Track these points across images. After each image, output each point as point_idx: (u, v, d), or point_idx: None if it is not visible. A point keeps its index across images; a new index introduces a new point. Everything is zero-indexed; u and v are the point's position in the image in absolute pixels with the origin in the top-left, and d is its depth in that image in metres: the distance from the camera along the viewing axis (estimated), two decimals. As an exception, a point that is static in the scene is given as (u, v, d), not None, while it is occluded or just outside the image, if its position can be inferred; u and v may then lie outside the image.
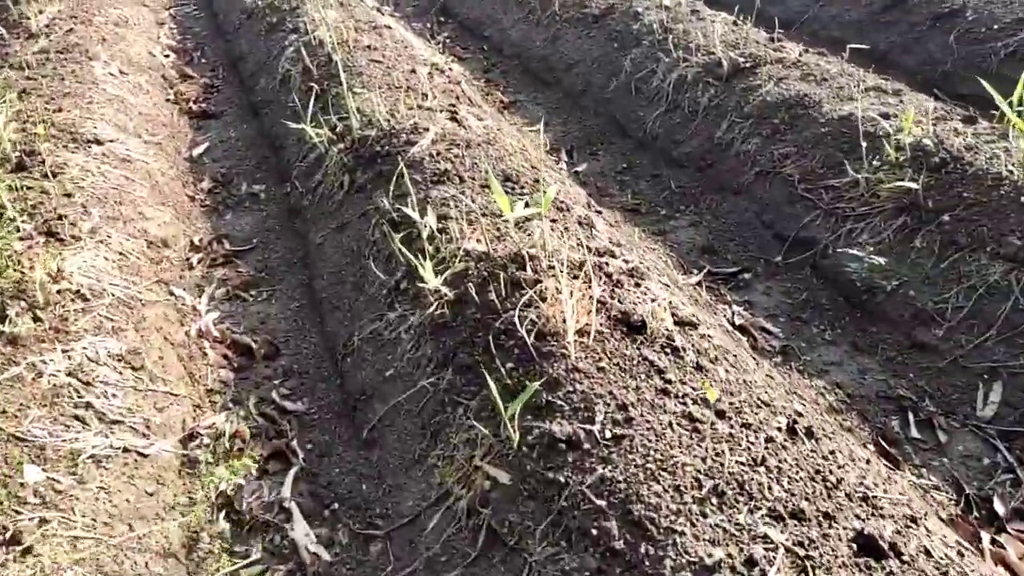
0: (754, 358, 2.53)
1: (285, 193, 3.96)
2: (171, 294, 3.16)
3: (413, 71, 4.31)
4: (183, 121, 4.99)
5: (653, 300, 2.38)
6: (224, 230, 3.75)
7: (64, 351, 2.48)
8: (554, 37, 5.32)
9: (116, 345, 2.61)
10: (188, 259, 3.46)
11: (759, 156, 3.50)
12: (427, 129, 3.40)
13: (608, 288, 2.36)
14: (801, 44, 4.34)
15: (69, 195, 3.35)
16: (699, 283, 3.11)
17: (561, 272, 2.25)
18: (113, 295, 2.85)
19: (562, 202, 2.97)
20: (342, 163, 3.49)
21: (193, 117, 5.05)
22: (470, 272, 2.44)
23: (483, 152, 3.25)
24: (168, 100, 5.22)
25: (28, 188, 3.30)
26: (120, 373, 2.53)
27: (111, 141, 3.98)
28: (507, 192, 2.96)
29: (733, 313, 2.88)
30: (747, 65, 3.94)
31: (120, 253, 3.17)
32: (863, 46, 5.00)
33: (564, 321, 2.09)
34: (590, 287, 2.32)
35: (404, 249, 2.67)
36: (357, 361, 2.65)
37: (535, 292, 2.24)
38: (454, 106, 3.81)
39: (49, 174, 3.42)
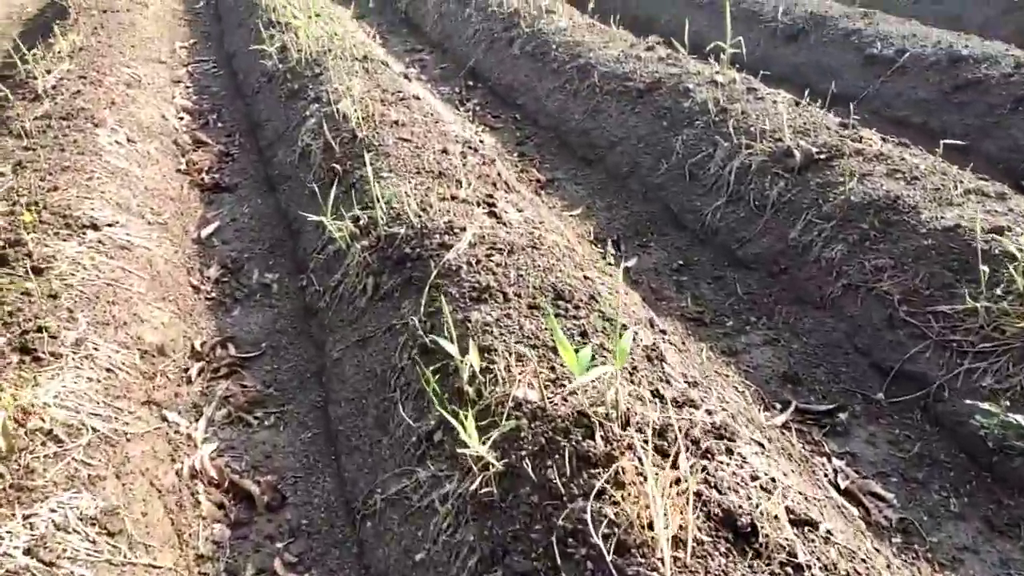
0: (876, 548, 2.03)
1: (300, 287, 3.53)
2: (163, 419, 2.71)
3: (445, 151, 3.91)
4: (193, 195, 4.61)
5: (755, 481, 1.89)
6: (230, 330, 3.32)
7: (26, 517, 2.02)
8: (594, 110, 4.93)
9: (90, 503, 2.14)
10: (187, 370, 3.01)
11: (846, 266, 3.05)
12: (463, 229, 2.98)
13: (697, 462, 1.89)
14: (864, 126, 3.92)
15: (55, 296, 2.93)
16: (786, 424, 2.63)
17: (644, 448, 1.78)
18: (93, 430, 2.40)
19: (623, 325, 2.52)
20: (366, 263, 3.06)
21: (205, 190, 4.67)
22: (523, 435, 1.97)
23: (528, 259, 2.81)
24: (179, 170, 4.86)
25: (8, 288, 2.89)
26: (93, 542, 2.06)
27: (109, 225, 3.58)
28: (560, 314, 2.51)
29: (836, 472, 2.39)
30: (822, 156, 3.51)
31: (108, 369, 2.73)
32: (933, 128, 4.58)
33: (653, 526, 1.61)
34: (676, 464, 1.84)
35: (438, 389, 2.21)
36: (379, 529, 2.17)
37: (609, 475, 1.77)
38: (491, 197, 3.40)
39: (33, 270, 3.01)
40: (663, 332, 2.82)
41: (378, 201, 3.16)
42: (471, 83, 6.53)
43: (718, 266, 3.57)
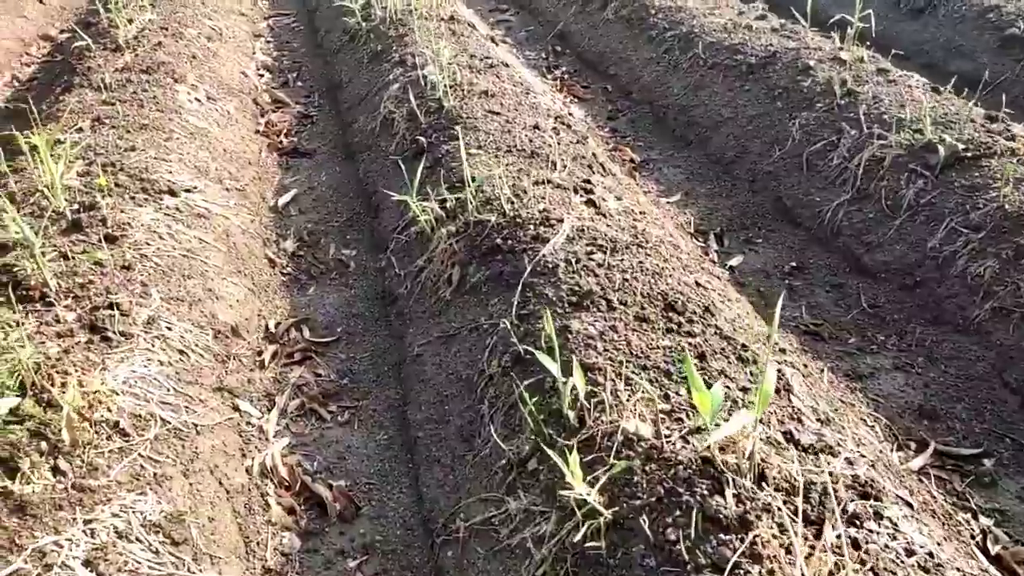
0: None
1: (379, 268, 3.32)
2: (235, 408, 2.55)
3: (536, 126, 3.61)
4: (271, 159, 4.44)
5: (911, 556, 1.59)
6: (305, 311, 3.14)
7: (86, 523, 1.87)
8: (696, 86, 4.53)
9: (155, 507, 1.99)
10: (260, 353, 2.85)
11: (997, 286, 2.65)
12: (560, 220, 2.69)
13: (845, 531, 1.59)
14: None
15: (128, 267, 2.78)
16: (924, 468, 2.29)
17: (790, 517, 1.50)
18: (162, 421, 2.25)
19: (744, 347, 2.21)
20: (452, 251, 2.82)
21: (283, 154, 4.50)
22: (636, 479, 1.71)
23: (633, 260, 2.52)
24: (258, 131, 4.69)
25: (81, 257, 2.76)
26: (156, 552, 1.91)
27: (187, 191, 3.42)
28: (672, 329, 2.22)
29: (984, 533, 2.06)
30: (968, 154, 3.08)
31: (180, 351, 2.58)
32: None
33: (803, 621, 1.34)
34: (821, 533, 1.56)
35: (535, 411, 1.96)
36: (461, 561, 1.96)
37: (745, 547, 1.50)
38: (589, 183, 3.09)
39: (107, 238, 2.87)
40: (782, 351, 2.50)
41: (468, 183, 2.89)
42: (559, 48, 6.16)
43: (838, 272, 3.20)
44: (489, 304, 2.55)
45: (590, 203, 2.91)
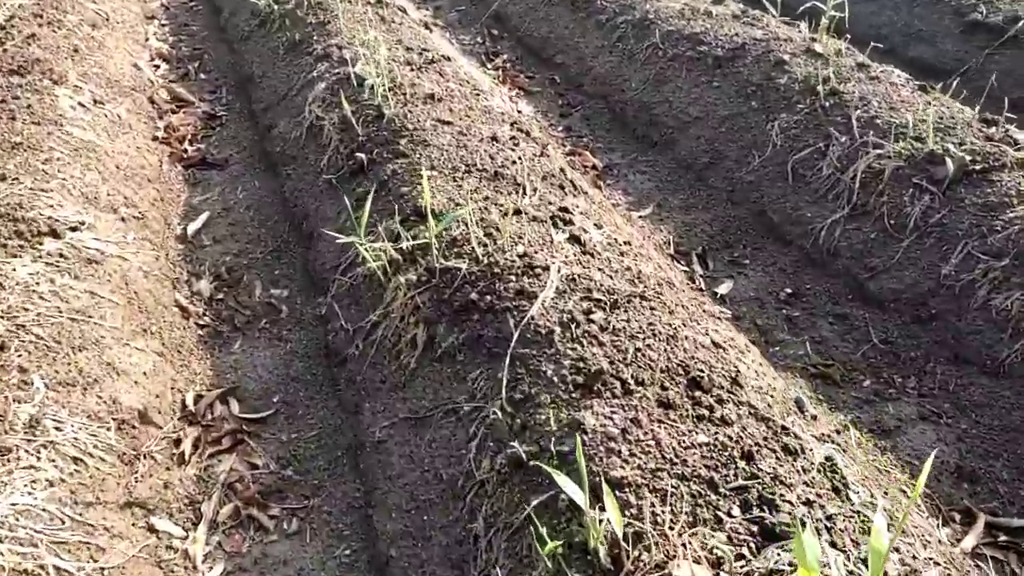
0: None
1: (319, 316, 2.79)
2: (151, 529, 2.01)
3: (494, 137, 3.13)
4: (175, 172, 3.79)
5: None
6: (231, 375, 2.59)
7: None
8: (657, 79, 4.14)
9: None
10: (178, 442, 2.30)
11: (1029, 323, 2.39)
12: (546, 268, 2.25)
13: None
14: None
15: (1, 348, 2.18)
16: (977, 549, 2.01)
17: None
18: (57, 571, 1.70)
19: (785, 430, 1.85)
20: (414, 306, 2.33)
21: (189, 166, 3.85)
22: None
23: (639, 317, 2.11)
24: (156, 138, 4.01)
25: (-68, 338, 2.13)
26: None
27: (73, 229, 2.79)
28: (702, 415, 1.83)
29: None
30: (976, 167, 2.80)
31: (75, 459, 2.02)
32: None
33: None
34: None
35: (557, 551, 1.54)
36: None
37: None
38: (567, 211, 2.65)
39: (-31, 308, 2.25)
40: (799, 405, 2.15)
41: (430, 222, 2.40)
42: (496, 32, 5.64)
43: (840, 300, 2.89)
44: (468, 378, 2.09)
45: (573, 239, 2.47)
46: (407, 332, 2.32)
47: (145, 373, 2.43)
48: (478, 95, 3.58)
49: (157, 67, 4.92)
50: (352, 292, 2.67)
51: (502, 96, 4.29)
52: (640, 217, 3.46)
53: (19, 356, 2.18)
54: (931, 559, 1.73)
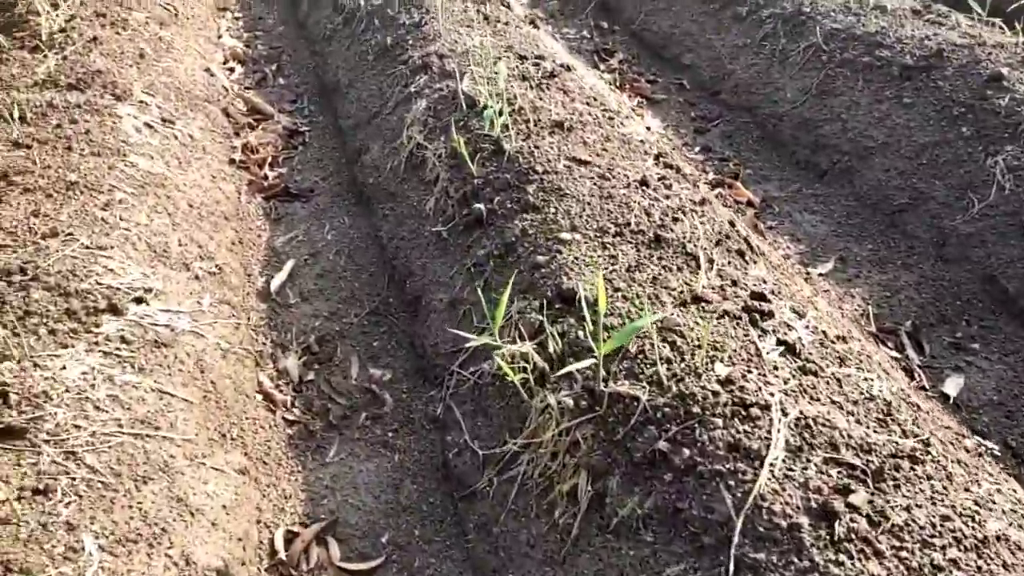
0: None
1: (433, 417, 2.22)
2: None
3: (643, 182, 2.49)
4: (254, 205, 3.27)
5: None
6: (328, 498, 2.05)
7: None
8: (822, 90, 3.40)
9: None
10: (265, 606, 1.78)
11: None
12: (766, 407, 1.62)
13: None
14: None
15: (43, 492, 1.69)
16: None
17: None
18: None
19: None
20: (573, 443, 1.73)
21: (270, 197, 3.32)
22: None
23: (918, 495, 1.47)
24: (232, 161, 3.50)
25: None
26: None
27: (139, 300, 2.28)
28: None
29: None
30: None
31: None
32: None
33: None
34: None
35: None
36: None
37: None
38: (763, 299, 2.00)
39: (7, 433, 1.75)
40: None
41: (595, 330, 1.78)
42: (605, 25, 4.93)
43: (1122, 412, 2.16)
44: (665, 572, 1.49)
45: (784, 346, 1.83)
46: (563, 479, 1.73)
47: (225, 506, 1.90)
48: (612, 119, 2.93)
49: (231, 70, 4.42)
50: (477, 396, 2.09)
51: (620, 104, 3.61)
52: (820, 276, 2.77)
53: (67, 504, 1.68)
54: None
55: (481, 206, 2.48)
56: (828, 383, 1.74)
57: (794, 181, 3.28)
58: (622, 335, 1.64)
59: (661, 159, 2.77)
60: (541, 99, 2.92)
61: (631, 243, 2.20)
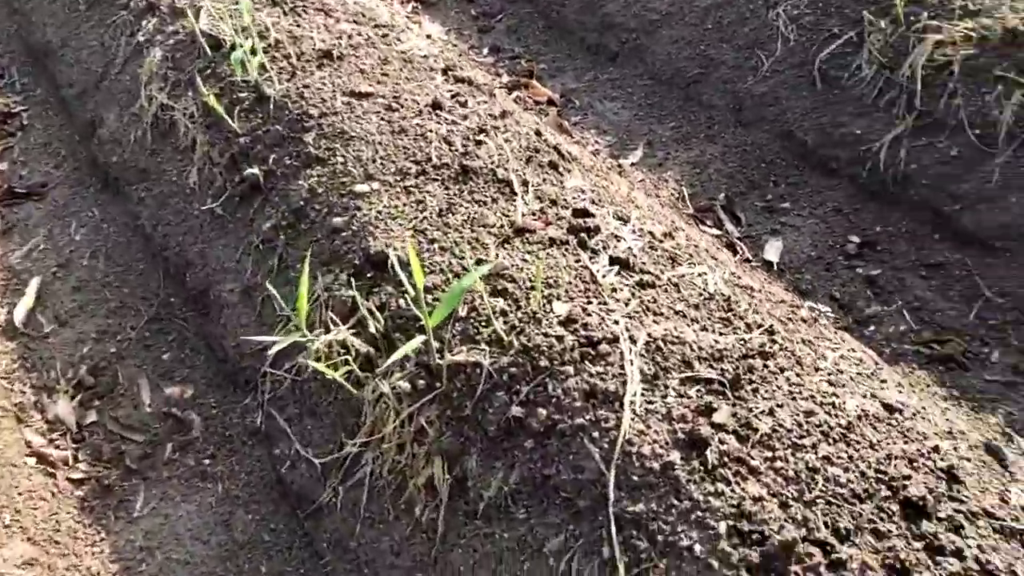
0: None
1: (252, 428, 1.90)
2: None
3: (437, 106, 2.19)
4: (-30, 217, 2.63)
5: None
6: (146, 560, 1.70)
7: None
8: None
9: None
10: None
11: None
12: (613, 340, 1.46)
13: None
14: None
15: None
16: None
17: None
18: None
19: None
20: (419, 430, 1.50)
21: (-11, 202, 2.69)
22: None
23: (779, 394, 1.39)
24: (-73, 168, 2.78)
25: None
26: None
27: None
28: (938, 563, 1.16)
29: None
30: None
31: None
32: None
33: None
34: None
35: None
36: None
37: None
38: (587, 215, 1.83)
39: None
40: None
41: (416, 297, 1.52)
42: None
43: (926, 243, 2.26)
44: (546, 550, 1.33)
45: (618, 264, 1.67)
46: (416, 471, 1.51)
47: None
48: (386, 36, 2.57)
49: (-99, 50, 3.50)
50: (300, 395, 1.79)
51: (404, 20, 3.23)
52: (633, 166, 2.66)
53: None
54: None
55: (254, 169, 2.09)
56: (667, 291, 1.62)
57: (588, 69, 3.12)
58: (449, 299, 1.40)
59: (451, 73, 2.47)
60: (299, 26, 2.50)
61: (436, 180, 1.93)
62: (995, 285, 2.11)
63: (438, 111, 2.17)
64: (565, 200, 1.89)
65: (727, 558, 1.17)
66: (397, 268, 1.59)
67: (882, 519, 1.21)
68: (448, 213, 1.81)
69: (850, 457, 1.29)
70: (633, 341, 1.46)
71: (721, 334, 1.52)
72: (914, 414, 1.45)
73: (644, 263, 1.71)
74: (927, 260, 2.21)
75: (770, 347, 1.49)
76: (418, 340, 1.47)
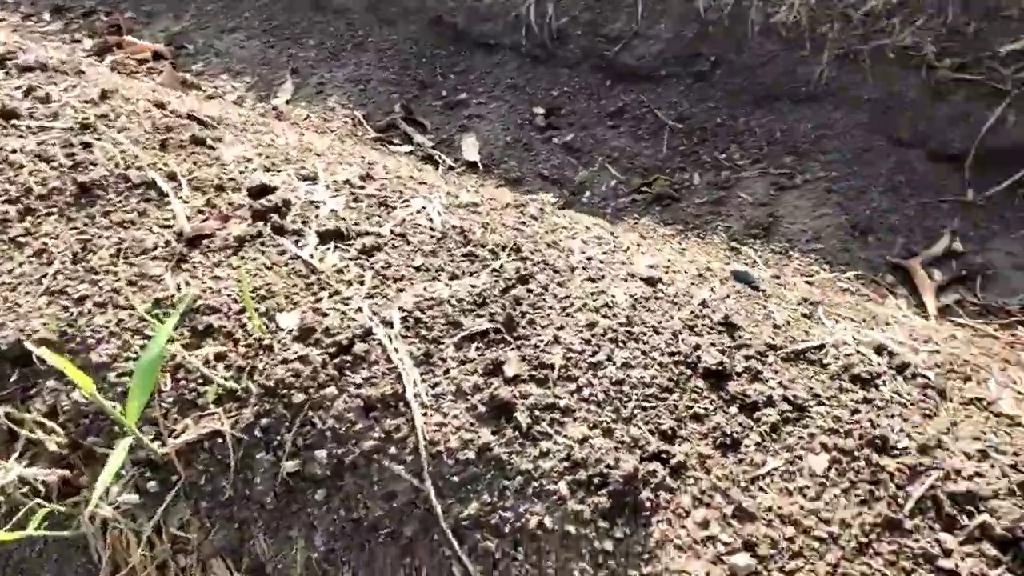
0: None
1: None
2: None
3: (11, 115, 1.63)
4: None
5: None
6: None
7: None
8: None
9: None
10: None
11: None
12: (368, 332, 1.22)
13: None
14: None
15: None
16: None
17: None
18: None
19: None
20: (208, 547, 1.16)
21: None
22: None
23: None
24: None
25: None
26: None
27: None
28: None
29: None
30: None
31: None
32: None
33: None
34: None
35: None
36: None
37: None
38: (266, 190, 1.50)
39: None
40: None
41: (95, 395, 1.11)
42: None
43: (603, 94, 2.27)
44: (390, 598, 1.13)
45: (329, 237, 1.40)
46: (196, 585, 1.18)
47: None
48: None
49: None
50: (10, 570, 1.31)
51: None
52: (289, 104, 2.30)
53: None
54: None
55: None
56: (396, 247, 1.41)
57: (187, 1, 2.60)
58: (141, 382, 1.04)
59: (11, 62, 1.86)
60: None
61: (52, 214, 1.44)
62: (671, 112, 2.20)
63: (14, 121, 1.62)
64: (233, 179, 1.54)
65: (580, 516, 1.07)
66: (49, 358, 1.17)
67: (696, 400, 1.19)
68: (87, 253, 1.37)
69: (643, 352, 1.24)
70: (388, 324, 1.24)
71: (472, 274, 1.36)
72: (670, 276, 1.45)
73: (357, 223, 1.46)
74: (609, 109, 2.24)
75: (525, 268, 1.37)
76: (125, 442, 1.10)
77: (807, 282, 1.81)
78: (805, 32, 2.16)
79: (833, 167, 2.05)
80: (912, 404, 1.21)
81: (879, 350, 1.32)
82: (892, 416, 1.18)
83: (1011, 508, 1.00)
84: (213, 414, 1.17)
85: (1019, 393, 1.27)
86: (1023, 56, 1.94)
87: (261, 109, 2.28)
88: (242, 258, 1.36)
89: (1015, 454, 1.09)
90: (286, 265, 1.35)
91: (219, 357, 1.21)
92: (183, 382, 1.20)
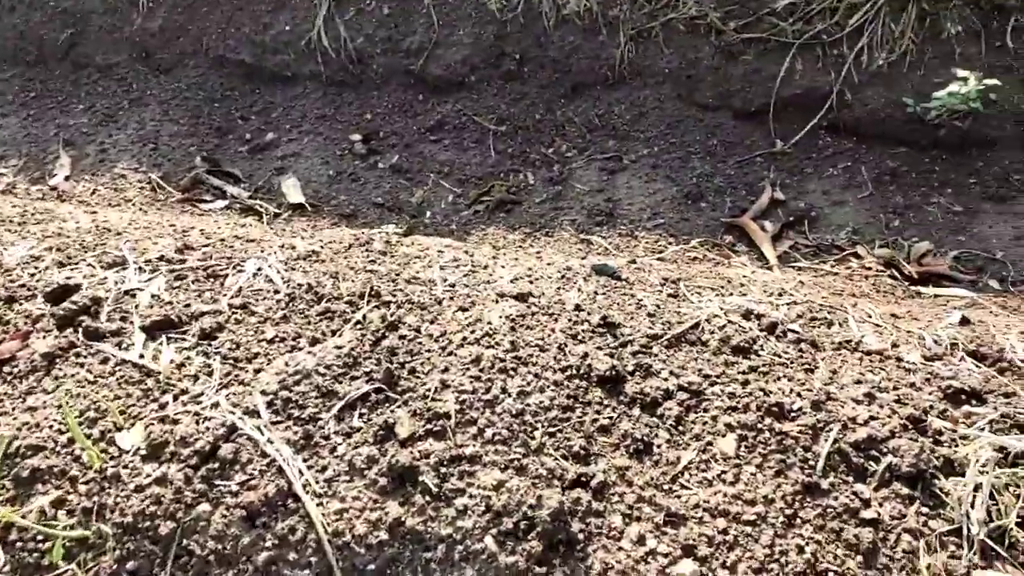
0: None
1: None
2: None
3: None
4: None
5: None
6: None
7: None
8: None
9: None
10: None
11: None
12: (232, 429, 1.07)
13: None
14: None
15: None
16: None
17: None
18: None
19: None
20: None
21: None
22: None
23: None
24: None
25: None
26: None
27: None
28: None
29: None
30: None
31: None
32: None
33: None
34: None
35: None
36: None
37: None
38: (69, 289, 1.29)
39: None
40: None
41: None
42: None
43: (417, 109, 2.18)
44: None
45: (161, 326, 1.22)
46: None
47: None
48: None
49: None
50: None
51: None
52: (70, 180, 2.02)
53: None
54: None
55: None
56: (240, 322, 1.25)
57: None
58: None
59: None
60: None
61: None
62: (491, 116, 2.17)
63: None
64: (24, 286, 1.31)
65: (515, 568, 1.00)
66: None
67: (599, 411, 1.15)
68: None
69: (535, 375, 1.19)
70: (253, 415, 1.09)
71: (334, 333, 1.24)
72: (536, 285, 1.41)
73: (188, 304, 1.29)
74: (428, 123, 2.17)
75: (391, 313, 1.27)
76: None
77: (659, 258, 1.85)
78: (599, 18, 2.20)
79: (654, 143, 2.12)
80: (792, 362, 1.25)
81: (747, 315, 1.36)
82: (779, 379, 1.21)
83: (909, 444, 1.05)
84: (64, 573, 0.98)
85: (877, 326, 1.35)
86: (798, 8, 2.10)
87: (38, 193, 1.98)
88: (56, 378, 1.15)
89: (895, 388, 1.16)
90: (113, 374, 1.16)
91: (57, 504, 1.01)
92: (18, 544, 0.99)
